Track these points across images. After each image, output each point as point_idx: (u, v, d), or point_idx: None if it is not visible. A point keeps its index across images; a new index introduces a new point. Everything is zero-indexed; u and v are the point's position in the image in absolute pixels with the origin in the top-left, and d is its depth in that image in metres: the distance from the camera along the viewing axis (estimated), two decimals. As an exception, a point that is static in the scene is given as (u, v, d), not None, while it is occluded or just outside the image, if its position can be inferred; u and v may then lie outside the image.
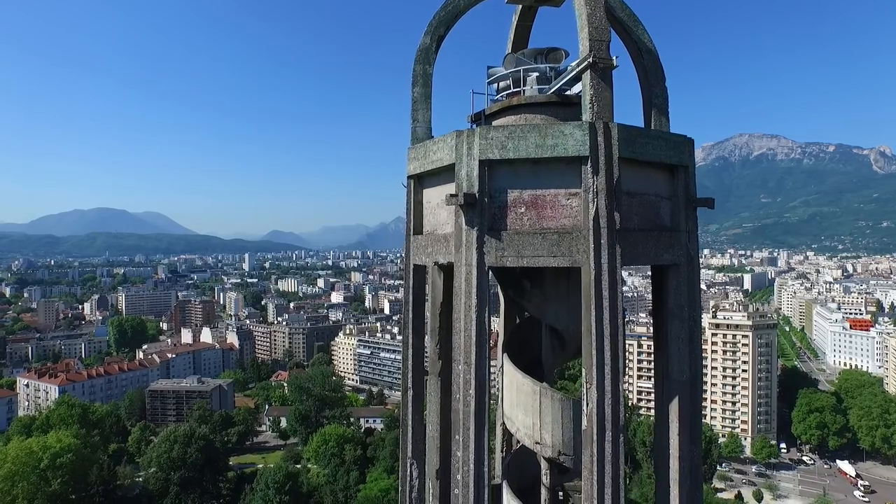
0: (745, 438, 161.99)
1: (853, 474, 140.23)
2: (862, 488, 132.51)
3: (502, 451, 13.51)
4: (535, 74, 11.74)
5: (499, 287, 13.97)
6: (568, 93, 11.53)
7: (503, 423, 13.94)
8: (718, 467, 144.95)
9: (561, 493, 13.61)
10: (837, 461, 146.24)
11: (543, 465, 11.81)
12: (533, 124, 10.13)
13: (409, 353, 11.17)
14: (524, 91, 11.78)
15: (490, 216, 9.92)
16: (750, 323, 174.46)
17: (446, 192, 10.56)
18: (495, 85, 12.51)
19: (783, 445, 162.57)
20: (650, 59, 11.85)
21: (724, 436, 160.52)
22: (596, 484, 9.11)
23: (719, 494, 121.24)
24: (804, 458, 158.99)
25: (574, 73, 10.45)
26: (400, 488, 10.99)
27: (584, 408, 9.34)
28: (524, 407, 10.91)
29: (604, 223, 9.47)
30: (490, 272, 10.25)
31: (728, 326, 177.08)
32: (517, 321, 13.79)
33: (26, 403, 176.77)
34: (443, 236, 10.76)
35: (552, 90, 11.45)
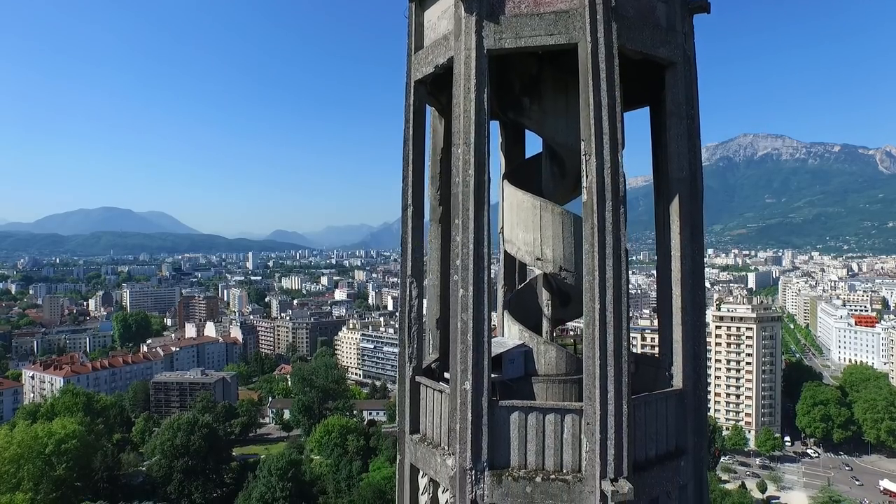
0: (749, 431, 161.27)
1: None
2: None
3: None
4: None
5: (498, 126, 14.09)
6: None
7: (504, 282, 14.00)
8: (722, 459, 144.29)
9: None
10: (880, 482, 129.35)
11: (545, 295, 11.86)
12: None
13: (409, 170, 11.22)
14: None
15: (488, 4, 10.04)
16: (754, 315, 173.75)
17: (447, 5, 10.71)
18: None
19: (787, 438, 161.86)
20: None
21: (727, 428, 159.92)
22: (597, 254, 9.12)
23: (723, 486, 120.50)
24: (809, 451, 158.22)
25: None
26: (400, 308, 11.02)
27: (584, 181, 9.39)
28: (524, 224, 10.98)
29: (599, 0, 9.51)
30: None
31: (732, 319, 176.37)
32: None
33: (31, 395, 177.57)
34: (443, 37, 10.91)
35: None
